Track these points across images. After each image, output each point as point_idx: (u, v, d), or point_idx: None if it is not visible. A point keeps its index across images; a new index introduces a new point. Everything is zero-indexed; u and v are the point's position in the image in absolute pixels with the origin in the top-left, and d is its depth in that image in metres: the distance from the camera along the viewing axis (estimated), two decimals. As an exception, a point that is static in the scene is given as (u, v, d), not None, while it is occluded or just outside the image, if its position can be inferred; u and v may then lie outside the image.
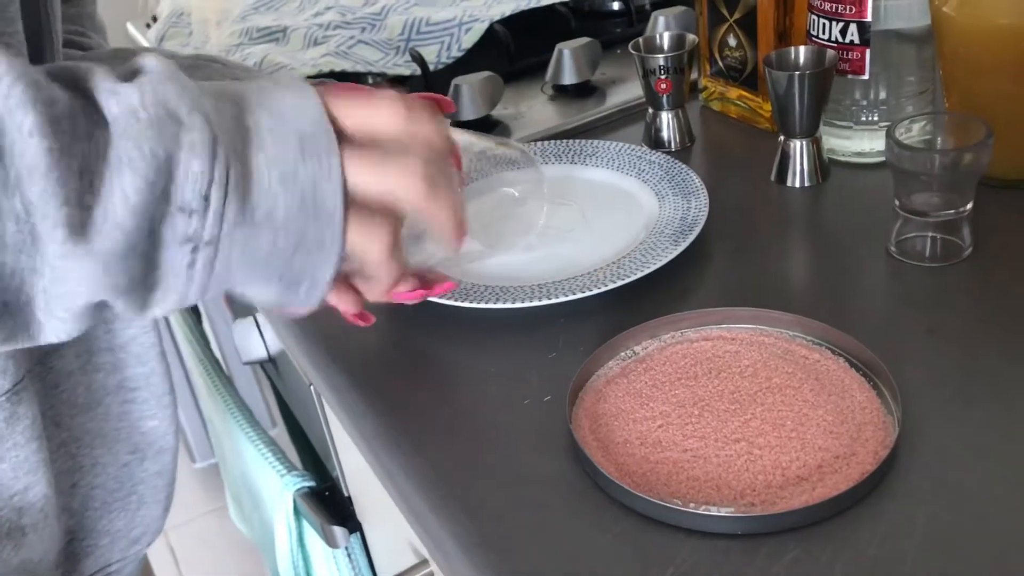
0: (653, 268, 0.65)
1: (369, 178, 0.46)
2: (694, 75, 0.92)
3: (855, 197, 0.75)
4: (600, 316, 0.65)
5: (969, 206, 0.64)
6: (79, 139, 0.40)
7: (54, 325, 0.42)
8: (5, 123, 0.38)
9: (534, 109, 0.95)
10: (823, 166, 0.77)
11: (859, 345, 0.56)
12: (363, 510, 0.88)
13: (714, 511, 0.48)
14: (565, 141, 0.83)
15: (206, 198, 0.41)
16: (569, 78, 0.95)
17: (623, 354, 0.60)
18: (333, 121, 0.45)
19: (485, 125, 0.92)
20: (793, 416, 0.53)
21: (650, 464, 0.52)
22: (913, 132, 0.65)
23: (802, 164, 0.76)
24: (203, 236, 0.42)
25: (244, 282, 0.45)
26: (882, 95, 0.76)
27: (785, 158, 0.77)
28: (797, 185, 0.77)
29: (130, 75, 0.43)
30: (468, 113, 0.90)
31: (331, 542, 0.98)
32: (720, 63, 0.88)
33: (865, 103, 0.77)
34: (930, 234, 0.65)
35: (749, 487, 0.49)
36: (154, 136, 0.40)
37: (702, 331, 0.61)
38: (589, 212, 0.76)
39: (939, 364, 0.57)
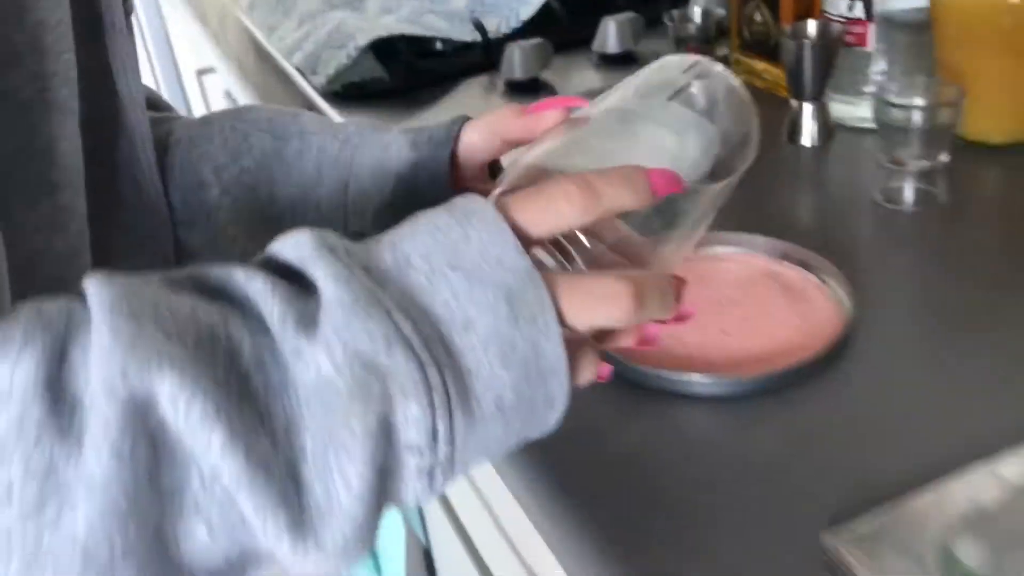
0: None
1: (582, 318, 0.39)
2: (726, 50, 1.01)
3: (854, 155, 0.85)
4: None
5: (944, 158, 0.73)
6: (265, 417, 0.34)
7: None
8: (190, 444, 0.33)
9: (580, 74, 1.05)
10: (828, 128, 0.86)
11: (831, 265, 0.66)
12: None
13: (694, 376, 0.58)
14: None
15: (434, 431, 0.36)
16: (613, 47, 1.05)
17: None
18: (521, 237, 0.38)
19: (534, 85, 1.03)
20: (763, 315, 0.63)
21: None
22: (900, 93, 0.75)
23: (810, 125, 0.86)
24: (438, 461, 0.36)
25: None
26: (883, 67, 0.85)
27: (795, 120, 0.87)
28: (807, 144, 0.87)
29: (282, 270, 0.37)
30: (518, 72, 1.01)
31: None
32: (748, 37, 0.97)
33: (868, 74, 0.86)
34: (911, 183, 0.75)
35: (719, 365, 0.59)
36: (361, 407, 0.34)
37: (698, 250, 0.71)
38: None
39: (899, 287, 0.66)
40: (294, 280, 0.37)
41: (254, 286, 0.35)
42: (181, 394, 0.32)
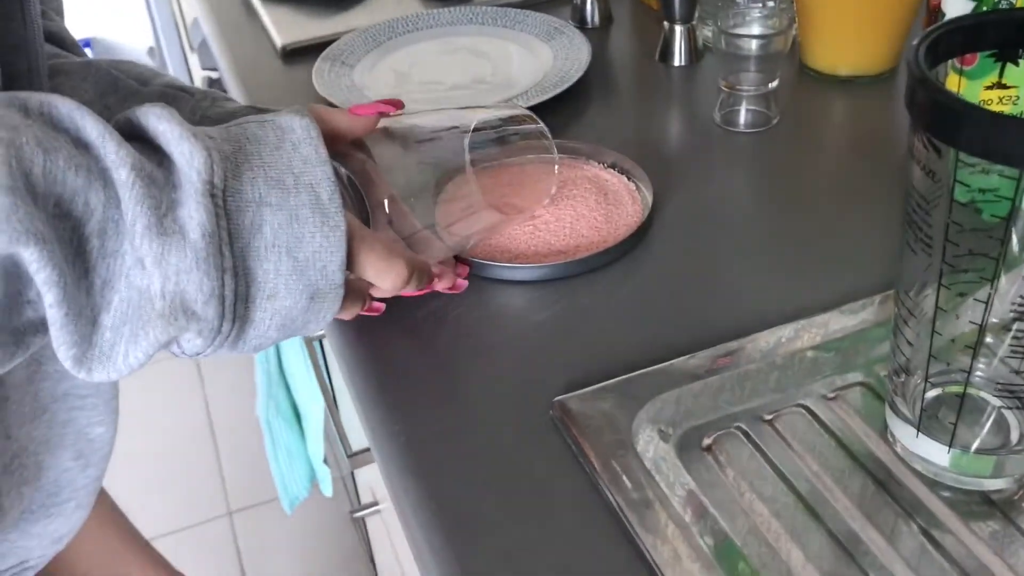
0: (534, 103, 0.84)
1: (368, 273, 0.54)
2: (631, -31, 1.07)
3: (716, 77, 0.92)
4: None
5: (774, 84, 0.81)
6: (90, 271, 0.44)
7: None
8: (35, 285, 0.42)
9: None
10: (697, 50, 0.93)
11: (643, 173, 0.74)
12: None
13: (488, 263, 0.67)
14: (502, 8, 1.01)
15: (199, 354, 0.48)
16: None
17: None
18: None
19: (449, -8, 1.10)
20: (573, 215, 0.71)
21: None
22: (736, 22, 0.82)
23: (679, 46, 0.93)
24: (190, 360, 0.53)
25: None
26: (750, -5, 0.92)
27: (667, 41, 0.94)
28: (675, 64, 0.94)
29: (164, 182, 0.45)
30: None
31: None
32: (646, -41, 1.04)
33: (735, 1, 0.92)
34: (744, 106, 0.82)
35: (522, 256, 0.68)
36: (163, 326, 0.45)
37: (543, 156, 0.79)
38: (501, 69, 0.94)
39: (698, 196, 0.75)
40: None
41: (120, 175, 0.43)
42: (38, 263, 0.41)
